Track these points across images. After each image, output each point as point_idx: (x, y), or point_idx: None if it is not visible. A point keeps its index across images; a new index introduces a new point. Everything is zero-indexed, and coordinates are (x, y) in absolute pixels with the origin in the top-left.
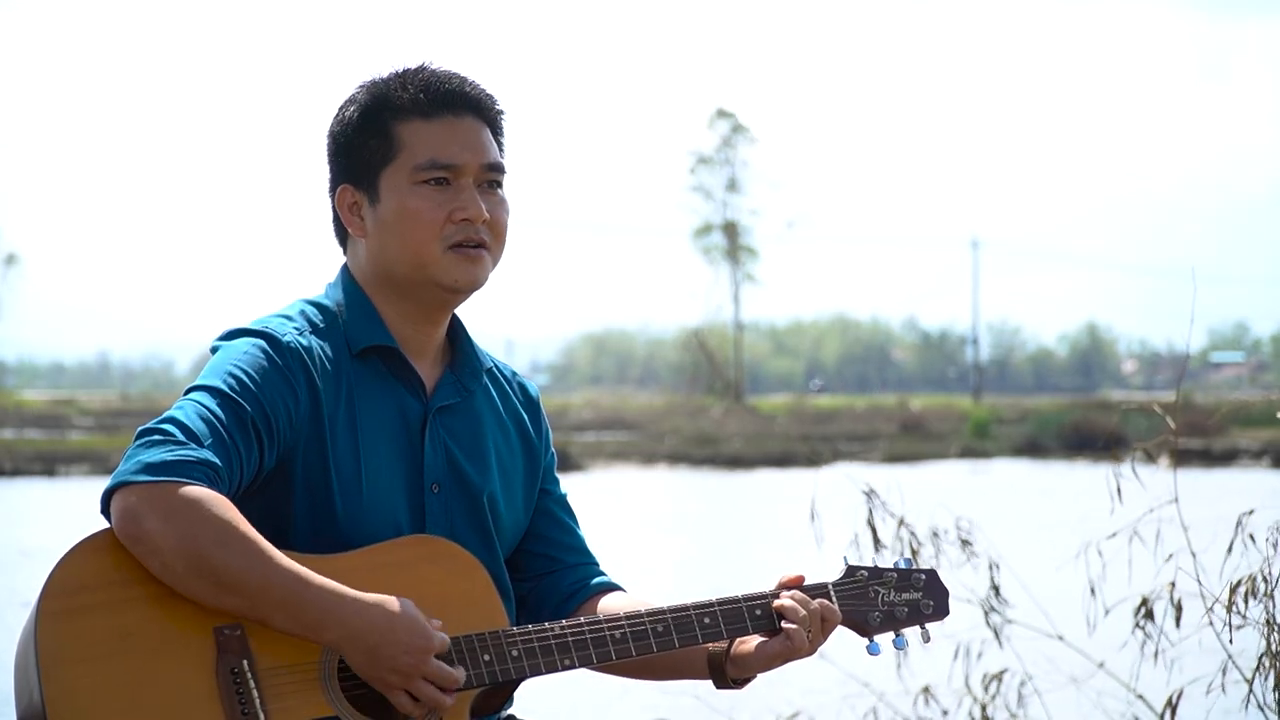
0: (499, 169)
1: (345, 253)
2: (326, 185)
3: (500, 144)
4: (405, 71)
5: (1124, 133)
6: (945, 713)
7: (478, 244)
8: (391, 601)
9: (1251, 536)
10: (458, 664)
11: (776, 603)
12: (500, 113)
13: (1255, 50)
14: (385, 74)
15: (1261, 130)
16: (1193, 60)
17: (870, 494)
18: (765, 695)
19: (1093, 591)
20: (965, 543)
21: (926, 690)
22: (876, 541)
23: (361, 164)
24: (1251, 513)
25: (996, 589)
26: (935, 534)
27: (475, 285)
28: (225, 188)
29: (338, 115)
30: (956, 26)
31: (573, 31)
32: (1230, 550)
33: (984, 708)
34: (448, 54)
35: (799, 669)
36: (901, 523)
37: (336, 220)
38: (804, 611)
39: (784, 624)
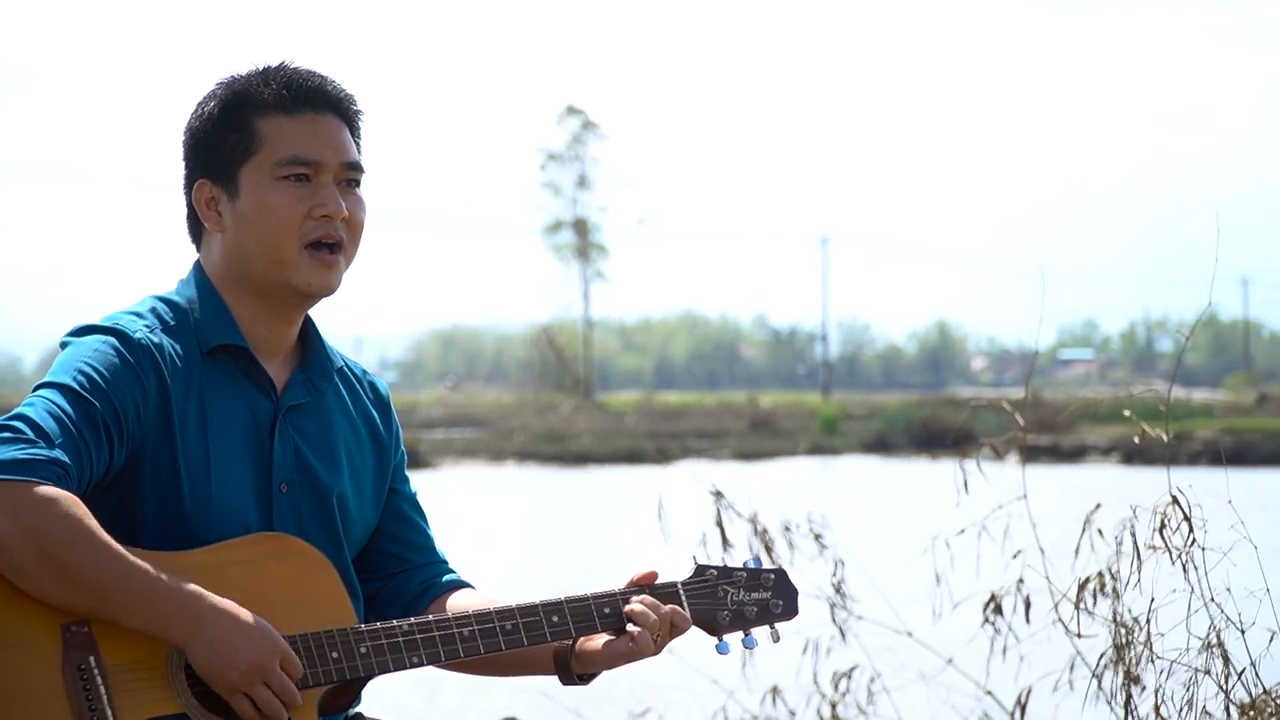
0: (358, 168)
1: (199, 250)
2: (182, 181)
3: (358, 144)
4: (267, 69)
5: (973, 129)
6: (793, 713)
7: (335, 243)
8: (241, 608)
9: (1100, 532)
10: (305, 664)
11: (627, 608)
12: (359, 113)
13: (1101, 45)
14: (245, 71)
15: (1112, 127)
16: (1042, 55)
17: (717, 495)
18: (615, 693)
19: (938, 585)
20: (817, 536)
21: (775, 690)
22: (725, 540)
23: (221, 159)
24: (1098, 507)
25: (839, 588)
26: (789, 528)
27: (328, 291)
28: (71, 180)
29: (196, 111)
30: (803, 23)
31: (422, 26)
32: (1079, 547)
33: (833, 706)
34: (290, 46)
35: (649, 666)
36: (752, 521)
37: (191, 216)
38: (654, 617)
39: (631, 627)
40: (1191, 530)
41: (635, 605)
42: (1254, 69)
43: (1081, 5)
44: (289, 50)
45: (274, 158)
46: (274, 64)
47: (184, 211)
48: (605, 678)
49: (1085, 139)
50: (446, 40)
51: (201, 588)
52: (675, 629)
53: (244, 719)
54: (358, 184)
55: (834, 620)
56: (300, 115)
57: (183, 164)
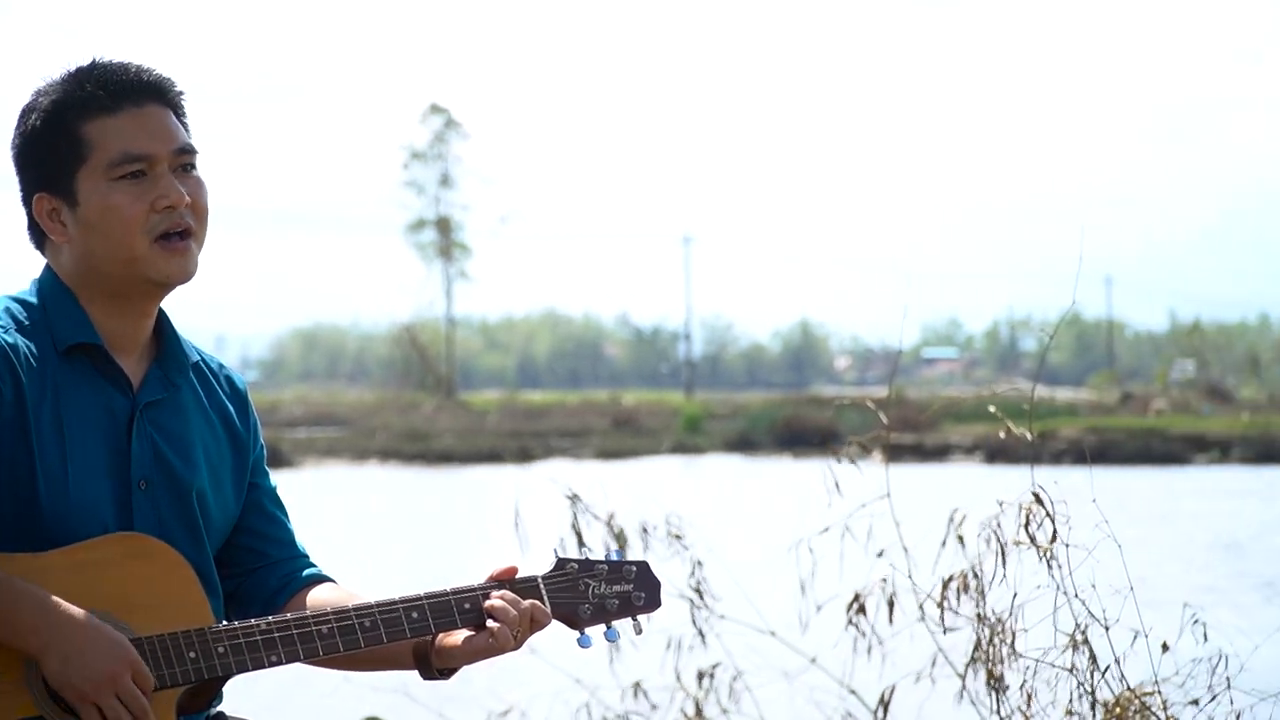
0: (191, 150)
1: (45, 256)
2: (19, 195)
3: (185, 125)
4: (79, 70)
5: (836, 129)
6: (655, 707)
7: (184, 231)
8: (93, 618)
9: (961, 538)
10: (163, 664)
11: (487, 603)
12: (180, 94)
13: (963, 43)
14: (58, 77)
15: (975, 127)
16: (903, 54)
17: (574, 499)
18: (476, 690)
19: (803, 588)
20: (676, 537)
21: (638, 685)
22: (581, 544)
23: (54, 170)
24: (962, 516)
25: (699, 588)
26: (647, 530)
27: (185, 277)
28: None
29: (19, 127)
30: (665, 22)
31: (287, 24)
32: (943, 546)
33: (697, 703)
34: (147, 43)
35: (512, 664)
36: (608, 522)
37: (33, 227)
38: (514, 612)
39: (491, 623)
40: (1055, 528)
41: (495, 601)
42: (1114, 69)
43: (942, 3)
44: (146, 46)
45: (106, 160)
46: (84, 64)
47: (25, 223)
48: (466, 675)
49: (949, 138)
50: (312, 38)
51: (54, 595)
52: (536, 624)
53: None
54: (194, 166)
55: (694, 622)
56: (122, 112)
57: (17, 179)
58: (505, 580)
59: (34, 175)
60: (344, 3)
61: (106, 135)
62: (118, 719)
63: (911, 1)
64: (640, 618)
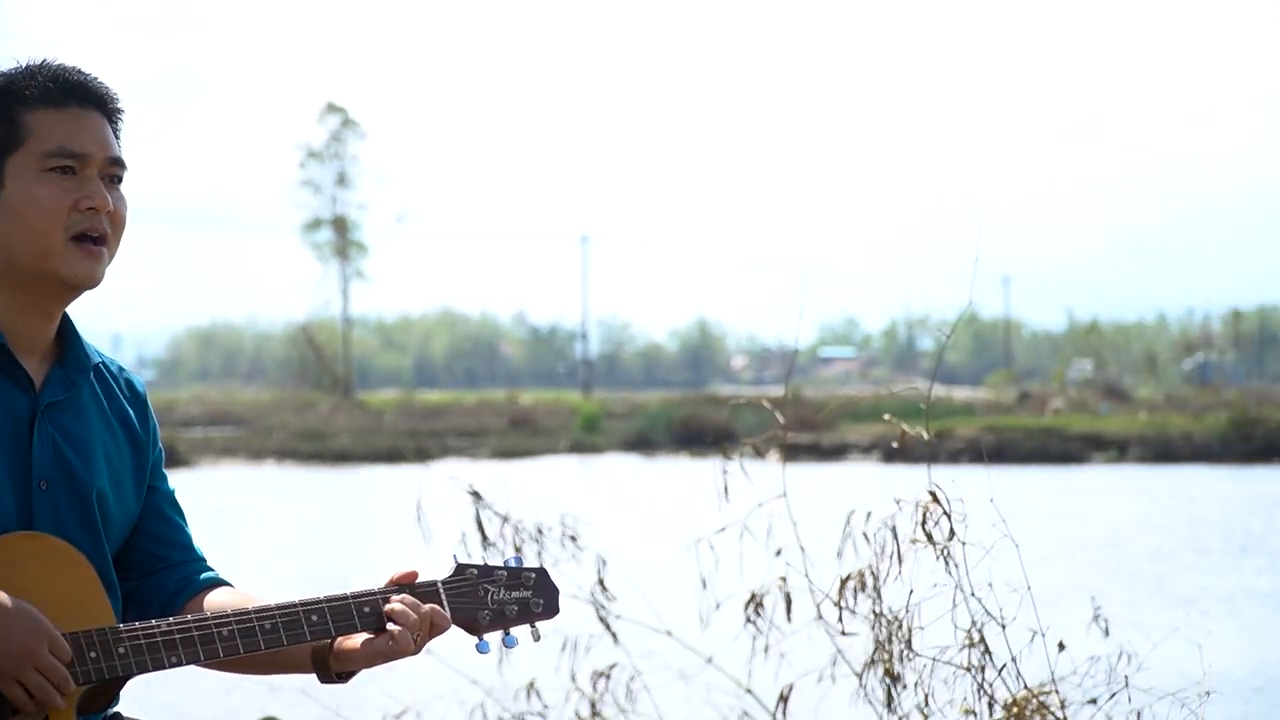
0: (122, 165)
1: None
2: None
3: (119, 143)
4: (30, 65)
5: (732, 127)
6: (547, 706)
7: (99, 236)
8: (4, 594)
9: (865, 536)
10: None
11: (387, 607)
12: (120, 112)
13: (857, 40)
14: (9, 68)
15: (872, 125)
16: (797, 52)
17: (475, 495)
18: (372, 692)
19: (704, 584)
20: (572, 538)
21: (532, 686)
22: (484, 539)
23: None
24: (859, 515)
25: (603, 584)
26: (542, 531)
27: (93, 282)
28: None
29: None
30: (560, 22)
31: (186, 21)
32: (841, 546)
33: (593, 704)
34: (41, 40)
35: (409, 664)
36: (505, 520)
37: None
38: (414, 616)
39: (391, 626)
40: (952, 526)
41: (395, 604)
42: (1012, 70)
43: (836, 3)
44: (40, 42)
45: (40, 149)
46: (37, 60)
47: None
48: (363, 675)
49: (846, 136)
50: (208, 36)
51: None
52: (435, 628)
53: (18, 707)
54: (120, 180)
55: (600, 619)
56: (66, 109)
57: None
58: (405, 585)
59: None
60: (241, 1)
61: (46, 126)
62: (41, 692)
63: (805, 2)
64: (538, 624)
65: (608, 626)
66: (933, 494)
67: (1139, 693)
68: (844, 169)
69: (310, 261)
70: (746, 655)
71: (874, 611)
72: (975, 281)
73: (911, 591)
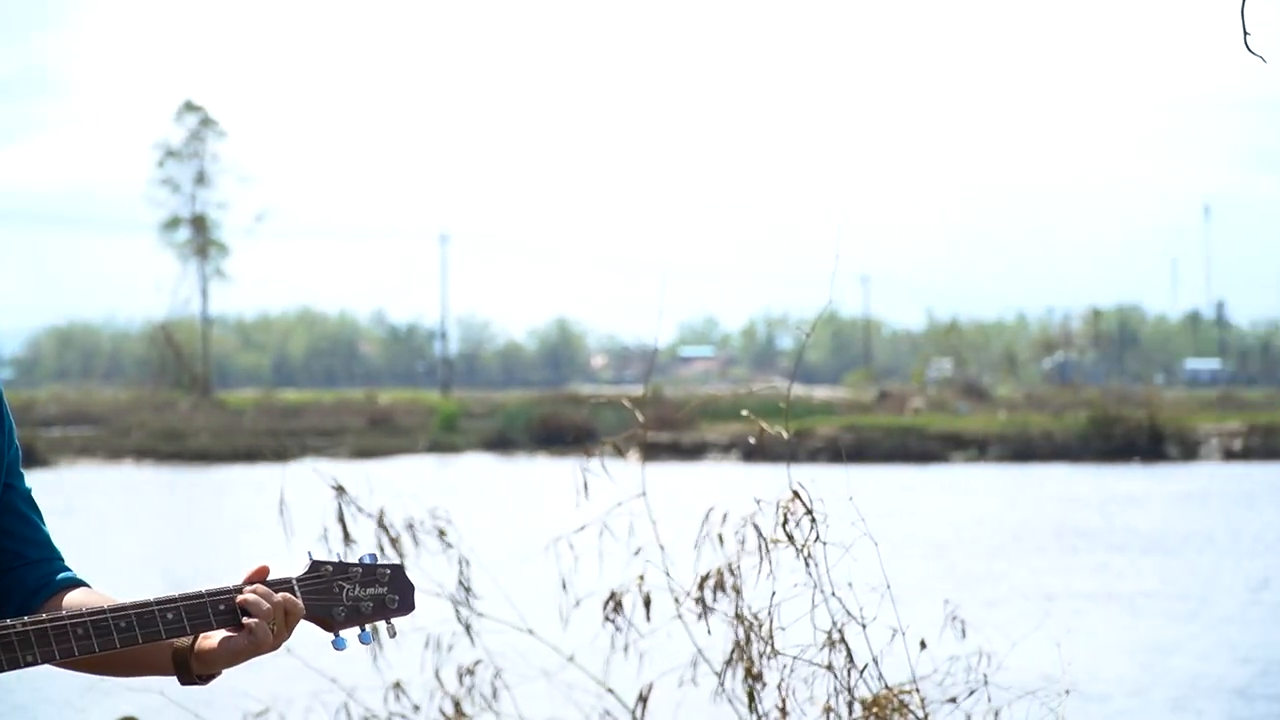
0: None
1: None
2: None
3: None
4: None
5: (591, 126)
6: (417, 707)
7: None
8: None
9: (721, 536)
10: None
11: (240, 598)
12: None
13: (716, 37)
14: None
15: (729, 123)
16: (656, 49)
17: (339, 490)
18: (235, 692)
19: (564, 586)
20: (441, 533)
21: (398, 685)
22: (347, 537)
23: None
24: (719, 514)
25: (466, 585)
26: (411, 525)
27: None
28: None
29: None
30: (418, 20)
31: (41, 19)
32: (700, 544)
33: (457, 703)
34: None
35: (270, 664)
36: (371, 517)
37: None
38: (267, 605)
39: (246, 619)
40: (815, 525)
41: (248, 595)
42: (871, 69)
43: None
44: None
45: None
46: None
47: None
48: (224, 675)
49: (706, 135)
50: (65, 32)
51: None
52: (290, 617)
53: None
54: None
55: (459, 618)
56: None
57: None
58: (258, 580)
59: None
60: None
61: None
62: None
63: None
64: (394, 620)
65: (467, 628)
66: (795, 493)
67: (999, 691)
68: (704, 168)
69: (169, 261)
70: (606, 654)
71: (735, 611)
72: (834, 280)
73: (775, 593)
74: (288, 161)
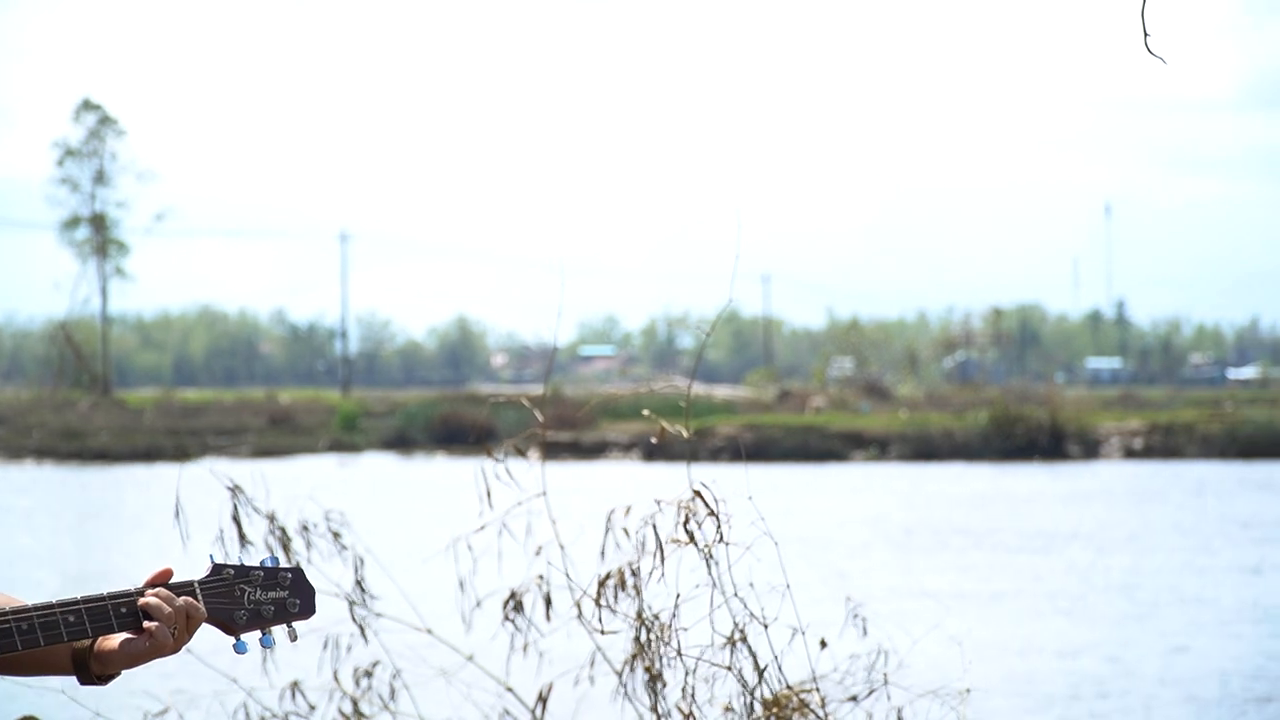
0: None
1: None
2: None
3: None
4: None
5: (489, 125)
6: (314, 707)
7: None
8: None
9: (626, 531)
10: None
11: (142, 601)
12: None
13: (627, 35)
14: None
15: (628, 121)
16: (554, 48)
17: (235, 490)
18: (134, 692)
19: (462, 586)
20: (335, 535)
21: (296, 685)
22: (243, 538)
23: None
24: (620, 513)
25: (361, 584)
26: (307, 528)
27: None
28: None
29: None
30: (316, 17)
31: None
32: (604, 545)
33: (355, 702)
34: None
35: (170, 664)
36: (268, 518)
37: None
38: (169, 609)
39: (148, 623)
40: (719, 525)
41: (150, 599)
42: (771, 64)
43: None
44: None
45: None
46: None
47: None
48: (125, 675)
49: (605, 134)
50: None
51: None
52: (192, 621)
53: None
54: None
55: (354, 618)
56: None
57: None
58: (160, 583)
59: None
60: None
61: None
62: None
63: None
64: (295, 624)
65: (362, 628)
66: (698, 493)
67: (899, 690)
68: (605, 167)
69: (69, 260)
70: (506, 653)
71: (636, 611)
72: (735, 279)
73: (679, 595)
74: (188, 160)
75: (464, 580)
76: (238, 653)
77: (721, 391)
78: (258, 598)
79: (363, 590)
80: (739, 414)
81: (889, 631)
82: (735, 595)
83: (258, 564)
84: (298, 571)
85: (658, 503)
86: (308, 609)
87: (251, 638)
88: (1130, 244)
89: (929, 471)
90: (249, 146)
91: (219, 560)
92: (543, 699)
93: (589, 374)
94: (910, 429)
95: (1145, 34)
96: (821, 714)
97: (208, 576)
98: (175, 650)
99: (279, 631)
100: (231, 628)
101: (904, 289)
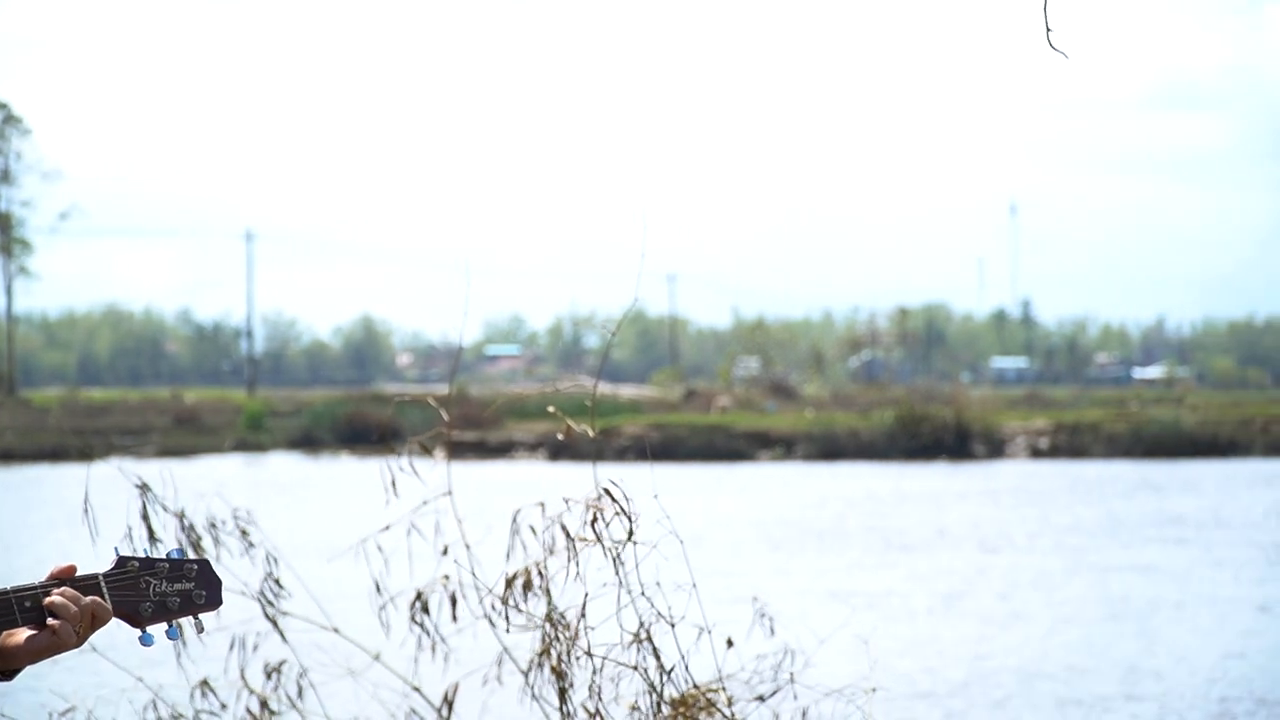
0: None
1: None
2: None
3: None
4: None
5: (396, 124)
6: (224, 706)
7: None
8: None
9: (533, 529)
10: None
11: (47, 600)
12: None
13: (535, 35)
14: None
15: (533, 121)
16: (460, 47)
17: (143, 488)
18: (38, 690)
19: (377, 587)
20: (243, 532)
21: (205, 683)
22: (151, 535)
23: None
24: (525, 513)
25: (278, 581)
26: (215, 525)
27: None
28: None
29: None
30: (224, 16)
31: None
32: (510, 545)
33: (264, 701)
34: None
35: (76, 662)
36: (174, 515)
37: None
38: (74, 609)
39: (52, 620)
40: (631, 525)
41: (55, 598)
42: (676, 67)
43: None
44: None
45: None
46: None
47: None
48: (30, 673)
49: (510, 133)
50: None
51: None
52: (97, 620)
53: None
54: None
55: (266, 616)
56: None
57: None
58: (65, 578)
59: None
60: None
61: None
62: None
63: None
64: (202, 616)
65: (275, 625)
66: (607, 491)
67: (805, 689)
68: (509, 166)
69: None
70: (413, 653)
71: (545, 611)
72: (640, 279)
73: (587, 595)
74: (93, 159)
75: (375, 580)
76: (144, 645)
77: (627, 391)
78: (163, 590)
79: (279, 585)
80: (645, 413)
81: (795, 631)
82: (642, 594)
83: (164, 556)
84: (204, 564)
85: (566, 501)
86: (214, 600)
87: (158, 630)
88: (1036, 243)
89: (835, 471)
90: (154, 145)
91: (125, 553)
92: (448, 700)
93: (495, 373)
94: (816, 428)
95: (1048, 29)
96: (728, 713)
97: (113, 569)
98: (78, 646)
99: (187, 625)
100: (137, 620)
101: (810, 288)
